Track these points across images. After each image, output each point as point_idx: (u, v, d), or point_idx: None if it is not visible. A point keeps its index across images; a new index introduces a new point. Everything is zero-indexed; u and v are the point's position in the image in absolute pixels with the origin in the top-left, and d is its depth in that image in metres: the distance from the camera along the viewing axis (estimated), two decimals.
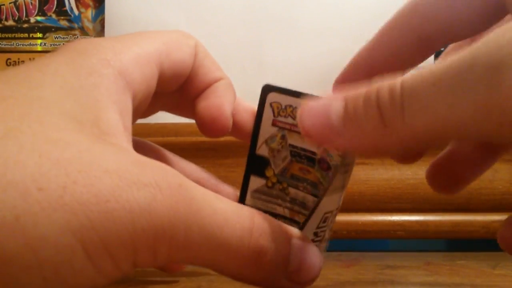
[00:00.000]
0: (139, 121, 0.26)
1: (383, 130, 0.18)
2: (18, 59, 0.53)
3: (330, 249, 0.27)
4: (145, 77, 0.23)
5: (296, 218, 0.25)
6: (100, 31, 0.53)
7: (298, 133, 0.25)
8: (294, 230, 0.23)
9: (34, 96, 0.19)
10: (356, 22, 0.51)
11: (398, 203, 0.47)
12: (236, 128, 0.28)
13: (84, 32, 0.53)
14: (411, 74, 0.18)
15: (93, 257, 0.17)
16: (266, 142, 0.26)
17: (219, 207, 0.20)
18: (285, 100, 0.25)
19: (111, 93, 0.21)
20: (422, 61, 0.24)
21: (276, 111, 0.26)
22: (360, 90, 0.19)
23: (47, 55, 0.21)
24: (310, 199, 0.25)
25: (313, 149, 0.25)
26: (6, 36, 0.53)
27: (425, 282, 0.30)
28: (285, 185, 0.25)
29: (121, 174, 0.18)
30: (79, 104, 0.19)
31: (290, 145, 0.25)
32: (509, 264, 0.24)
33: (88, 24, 0.53)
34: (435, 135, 0.18)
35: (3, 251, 0.15)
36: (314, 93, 0.23)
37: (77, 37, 0.53)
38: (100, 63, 0.21)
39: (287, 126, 0.25)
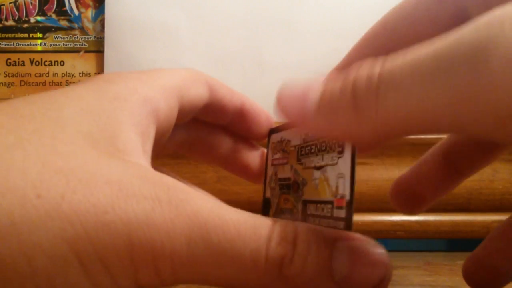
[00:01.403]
0: None
1: (355, 118, 0.17)
2: (18, 59, 0.53)
3: None
4: (169, 107, 0.23)
5: None
6: (100, 31, 0.53)
7: (283, 165, 0.24)
8: (343, 233, 0.19)
9: (53, 116, 0.19)
10: (355, 23, 0.51)
11: None
12: (245, 170, 0.29)
13: (84, 32, 0.53)
14: (396, 56, 0.16)
15: (89, 270, 0.16)
16: (269, 183, 0.26)
17: (231, 217, 0.18)
18: (277, 137, 0.25)
19: (134, 116, 0.20)
20: None
21: (272, 151, 0.26)
22: (340, 76, 0.18)
23: (76, 83, 0.21)
24: None
25: (288, 175, 0.24)
26: (6, 36, 0.53)
27: (425, 282, 0.30)
28: None
29: (122, 186, 0.17)
30: (98, 124, 0.19)
31: (278, 179, 0.25)
32: None
33: (88, 24, 0.53)
34: (409, 126, 0.16)
35: None
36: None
37: (77, 37, 0.53)
38: (126, 90, 0.21)
39: (276, 162, 0.25)
